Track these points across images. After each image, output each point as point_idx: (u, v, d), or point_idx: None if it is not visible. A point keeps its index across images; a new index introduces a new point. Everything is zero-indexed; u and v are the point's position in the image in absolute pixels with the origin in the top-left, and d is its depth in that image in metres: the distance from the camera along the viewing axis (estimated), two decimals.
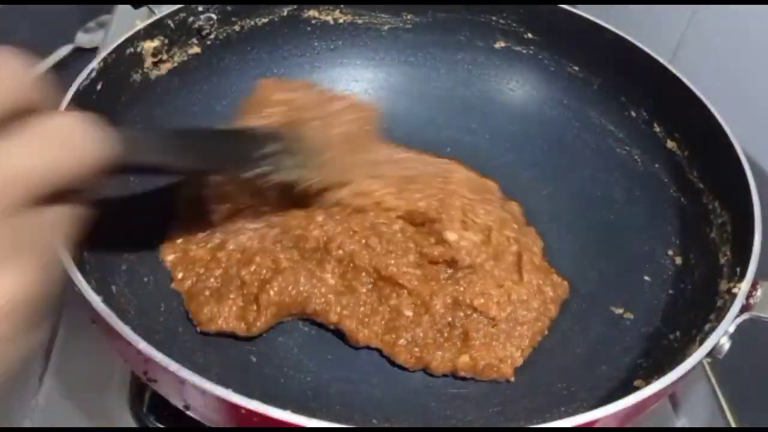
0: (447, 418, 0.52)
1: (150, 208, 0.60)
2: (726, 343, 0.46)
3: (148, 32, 0.63)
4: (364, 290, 0.56)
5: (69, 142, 0.30)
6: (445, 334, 0.55)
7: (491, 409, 0.53)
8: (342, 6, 0.74)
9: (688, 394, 0.62)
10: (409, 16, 0.76)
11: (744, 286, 0.48)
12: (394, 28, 0.76)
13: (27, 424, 0.56)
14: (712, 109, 0.60)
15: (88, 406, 0.57)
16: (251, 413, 0.38)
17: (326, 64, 0.77)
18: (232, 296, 0.54)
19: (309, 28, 0.75)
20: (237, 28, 0.71)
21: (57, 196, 0.30)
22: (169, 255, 0.58)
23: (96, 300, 0.43)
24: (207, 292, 0.55)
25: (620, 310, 0.59)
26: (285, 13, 0.72)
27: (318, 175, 0.57)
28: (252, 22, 0.71)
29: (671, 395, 0.61)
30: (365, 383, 0.54)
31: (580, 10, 0.71)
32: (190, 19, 0.66)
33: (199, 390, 0.40)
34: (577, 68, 0.73)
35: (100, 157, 0.31)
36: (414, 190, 0.61)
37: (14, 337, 0.28)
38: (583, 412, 0.40)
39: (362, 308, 0.55)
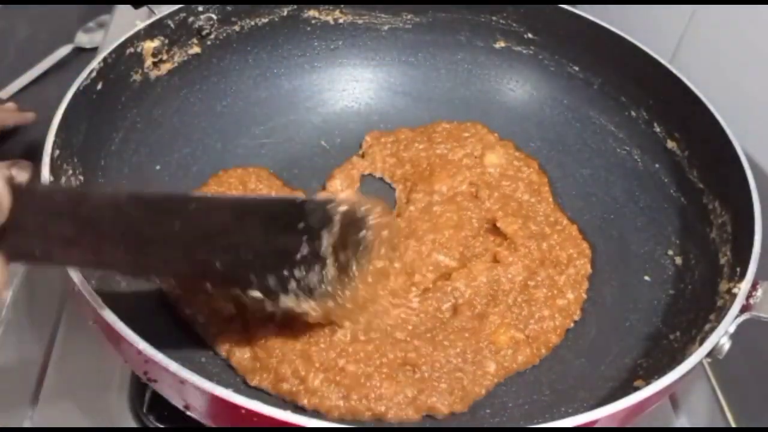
0: (445, 417, 0.52)
1: None
2: (726, 343, 0.46)
3: (148, 32, 0.63)
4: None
5: None
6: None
7: (490, 410, 0.53)
8: (342, 6, 0.74)
9: (688, 394, 0.62)
10: (409, 16, 0.76)
11: (744, 286, 0.48)
12: (394, 28, 0.76)
13: (27, 424, 0.56)
14: (712, 109, 0.60)
15: (88, 406, 0.57)
16: (251, 413, 0.38)
17: (326, 64, 0.77)
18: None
19: (309, 28, 0.75)
20: (237, 28, 0.71)
21: None
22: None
23: (96, 300, 0.43)
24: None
25: (620, 310, 0.59)
26: (285, 13, 0.72)
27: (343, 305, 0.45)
28: (252, 22, 0.71)
29: (671, 395, 0.61)
30: None
31: (580, 10, 0.71)
32: (190, 19, 0.66)
33: (199, 390, 0.40)
34: (577, 68, 0.73)
35: None
36: None
37: None
38: (583, 412, 0.40)
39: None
